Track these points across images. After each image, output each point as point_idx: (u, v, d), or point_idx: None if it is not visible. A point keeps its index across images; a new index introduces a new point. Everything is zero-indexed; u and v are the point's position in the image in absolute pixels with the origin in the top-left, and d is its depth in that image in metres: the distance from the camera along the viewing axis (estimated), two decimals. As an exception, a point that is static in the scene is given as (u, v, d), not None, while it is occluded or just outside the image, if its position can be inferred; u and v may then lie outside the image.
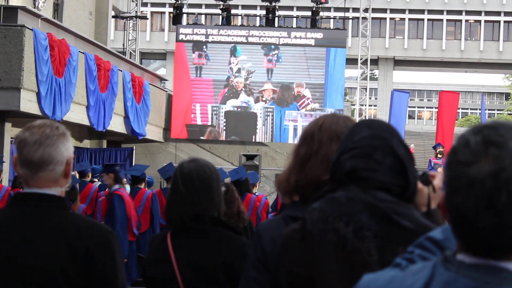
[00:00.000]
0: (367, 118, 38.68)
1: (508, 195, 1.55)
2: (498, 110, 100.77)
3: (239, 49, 29.28)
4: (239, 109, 29.07)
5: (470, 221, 1.60)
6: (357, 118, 38.47)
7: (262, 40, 29.19)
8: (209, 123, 28.96)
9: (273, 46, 29.06)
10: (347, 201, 2.49)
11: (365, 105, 38.20)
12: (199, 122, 28.87)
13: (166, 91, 29.47)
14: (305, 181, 2.86)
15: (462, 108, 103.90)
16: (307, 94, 28.98)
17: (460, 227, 1.64)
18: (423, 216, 2.54)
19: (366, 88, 38.73)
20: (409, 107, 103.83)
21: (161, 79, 32.51)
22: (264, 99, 29.06)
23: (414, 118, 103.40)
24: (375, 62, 61.41)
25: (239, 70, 29.21)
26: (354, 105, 40.12)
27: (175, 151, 27.56)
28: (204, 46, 29.21)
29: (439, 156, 23.48)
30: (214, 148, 28.50)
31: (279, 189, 3.00)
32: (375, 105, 67.06)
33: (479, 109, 72.93)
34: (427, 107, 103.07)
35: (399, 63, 63.16)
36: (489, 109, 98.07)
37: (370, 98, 70.77)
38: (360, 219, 2.44)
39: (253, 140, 28.69)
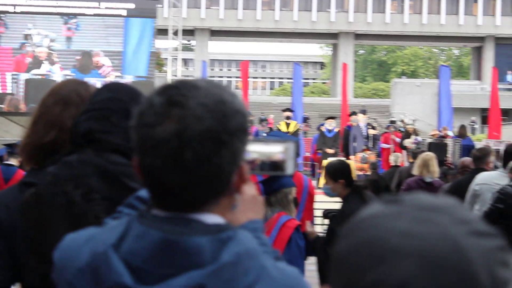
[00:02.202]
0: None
1: (192, 153, 1.59)
2: (313, 79, 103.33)
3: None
4: (40, 77, 28.58)
5: (160, 180, 1.64)
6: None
7: (71, 10, 28.73)
8: (8, 91, 28.32)
9: (72, 16, 28.73)
10: (79, 164, 2.49)
11: (178, 76, 38.15)
12: (-2, 91, 28.29)
13: (-28, 63, 28.54)
14: (31, 145, 2.86)
15: (279, 78, 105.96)
16: (106, 62, 28.80)
17: (151, 186, 1.68)
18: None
19: (183, 59, 38.68)
20: (226, 77, 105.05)
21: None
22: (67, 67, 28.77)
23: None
24: (191, 32, 61.47)
25: (40, 40, 28.71)
26: (175, 76, 40.11)
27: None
28: (2, 15, 28.48)
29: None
30: (23, 121, 27.78)
31: (22, 157, 2.97)
32: (192, 76, 67.33)
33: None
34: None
35: (215, 33, 63.44)
36: (304, 78, 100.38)
37: (187, 69, 70.66)
38: (89, 182, 2.45)
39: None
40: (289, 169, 2.12)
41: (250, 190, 2.04)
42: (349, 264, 1.14)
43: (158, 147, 1.61)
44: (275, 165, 2.10)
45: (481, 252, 1.11)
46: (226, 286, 1.58)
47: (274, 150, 2.10)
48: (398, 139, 25.33)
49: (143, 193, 2.01)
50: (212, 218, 1.67)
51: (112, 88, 2.68)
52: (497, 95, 27.73)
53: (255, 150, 2.08)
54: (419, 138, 24.41)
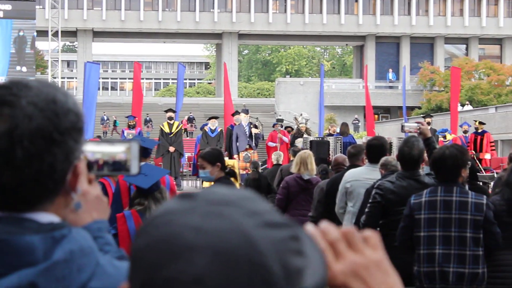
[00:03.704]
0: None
1: (23, 151, 1.59)
2: (198, 79, 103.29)
3: None
4: None
5: None
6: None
7: None
8: None
9: None
10: None
11: (58, 78, 37.59)
12: None
13: None
14: None
15: (164, 79, 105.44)
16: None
17: None
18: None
19: (67, 61, 38.15)
20: (111, 78, 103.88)
21: None
22: None
23: (116, 90, 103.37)
24: (74, 34, 60.66)
25: None
26: (55, 78, 39.51)
27: None
28: None
29: (131, 127, 23.92)
30: None
31: None
32: (75, 77, 66.36)
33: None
34: (129, 78, 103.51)
35: (98, 34, 62.72)
36: (190, 79, 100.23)
37: (72, 71, 69.43)
38: None
39: None
40: (133, 168, 2.12)
41: (94, 190, 2.06)
42: (144, 261, 1.15)
43: None
44: (119, 165, 2.10)
45: (272, 243, 1.14)
46: (59, 284, 1.58)
47: (117, 150, 2.10)
48: (285, 138, 25.47)
49: None
50: (46, 217, 1.67)
51: None
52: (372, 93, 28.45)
53: (98, 150, 2.07)
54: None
